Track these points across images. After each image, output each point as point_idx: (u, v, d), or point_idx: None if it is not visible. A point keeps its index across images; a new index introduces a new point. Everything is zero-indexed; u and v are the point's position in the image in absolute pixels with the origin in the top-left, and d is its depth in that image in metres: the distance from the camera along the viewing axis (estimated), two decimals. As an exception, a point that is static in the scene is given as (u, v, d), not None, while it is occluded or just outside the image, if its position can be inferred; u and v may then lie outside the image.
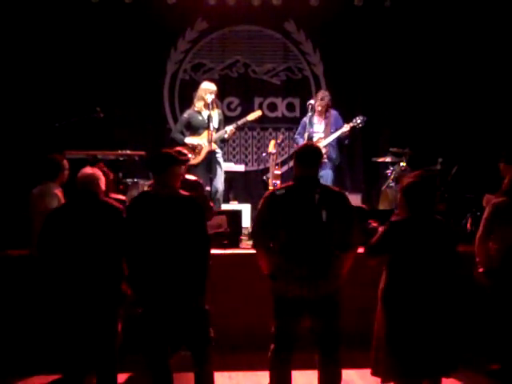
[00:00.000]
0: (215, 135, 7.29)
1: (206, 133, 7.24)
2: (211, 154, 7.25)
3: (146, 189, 6.02)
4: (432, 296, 3.98)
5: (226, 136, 7.44)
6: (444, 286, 4.03)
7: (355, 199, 7.32)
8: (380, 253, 4.16)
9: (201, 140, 7.29)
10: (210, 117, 7.19)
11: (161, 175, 4.28)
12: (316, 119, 7.68)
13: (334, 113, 7.76)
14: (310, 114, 7.56)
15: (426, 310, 3.97)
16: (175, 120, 8.78)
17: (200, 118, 7.35)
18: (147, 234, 4.18)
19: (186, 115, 7.51)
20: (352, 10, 8.76)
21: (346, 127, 7.53)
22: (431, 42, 8.68)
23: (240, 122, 7.49)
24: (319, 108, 7.64)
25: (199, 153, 7.28)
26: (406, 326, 3.96)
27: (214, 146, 7.27)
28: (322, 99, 7.65)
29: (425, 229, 4.05)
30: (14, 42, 8.11)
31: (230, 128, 7.39)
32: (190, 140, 7.34)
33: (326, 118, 7.68)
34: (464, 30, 8.59)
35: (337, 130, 7.56)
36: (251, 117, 7.57)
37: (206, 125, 7.22)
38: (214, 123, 7.28)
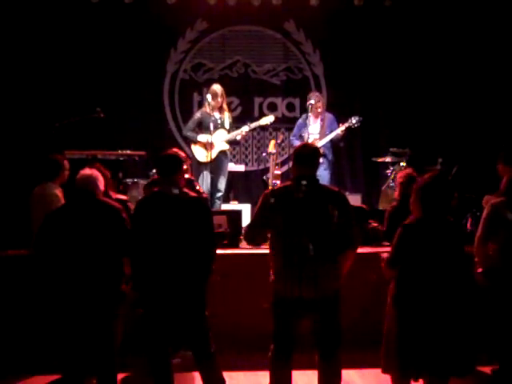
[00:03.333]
0: (228, 136, 7.43)
1: (217, 132, 7.36)
2: (223, 154, 7.43)
3: (143, 188, 6.06)
4: (443, 297, 3.96)
5: (238, 138, 7.53)
6: (456, 286, 4.00)
7: (355, 199, 7.33)
8: (401, 259, 4.04)
9: (213, 139, 7.33)
10: (222, 118, 7.39)
11: (171, 176, 4.29)
12: (312, 120, 7.72)
13: (329, 116, 7.83)
14: (306, 115, 7.69)
15: (438, 311, 3.95)
16: (175, 120, 8.81)
17: (212, 118, 7.42)
18: (155, 233, 4.19)
19: (198, 114, 7.58)
20: (352, 10, 8.77)
21: (341, 127, 7.56)
22: (431, 42, 8.68)
23: (252, 125, 7.56)
24: (317, 110, 7.69)
25: (211, 150, 7.32)
26: (416, 326, 3.95)
27: (226, 147, 7.43)
28: (315, 101, 7.68)
29: (437, 230, 4.01)
30: (14, 42, 8.12)
31: (245, 129, 7.46)
32: (203, 138, 7.39)
33: (321, 119, 7.72)
34: (464, 29, 8.59)
35: (331, 132, 7.58)
36: (264, 121, 7.64)
37: (218, 125, 7.37)
38: (226, 125, 7.45)
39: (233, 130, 7.51)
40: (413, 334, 3.95)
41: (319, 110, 7.68)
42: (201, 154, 7.42)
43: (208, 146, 7.29)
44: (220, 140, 7.41)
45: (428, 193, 4.04)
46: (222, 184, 7.50)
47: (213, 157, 7.37)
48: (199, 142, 7.42)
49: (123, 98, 8.54)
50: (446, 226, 4.05)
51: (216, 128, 7.35)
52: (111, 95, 8.42)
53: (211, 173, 7.37)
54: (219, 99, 7.44)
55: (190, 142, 7.63)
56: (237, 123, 7.77)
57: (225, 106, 7.55)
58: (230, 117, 7.59)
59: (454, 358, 3.96)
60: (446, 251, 4.00)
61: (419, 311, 3.95)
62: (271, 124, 7.82)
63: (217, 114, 7.46)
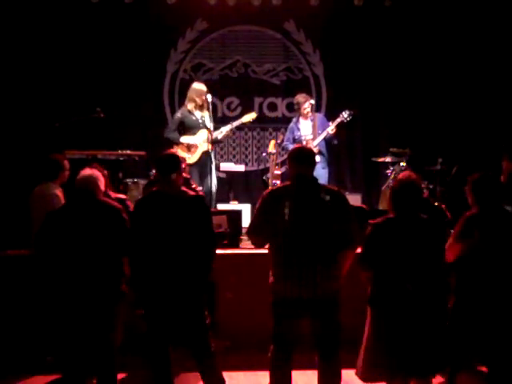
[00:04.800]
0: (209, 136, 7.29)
1: (200, 132, 7.26)
2: (206, 155, 7.26)
3: (142, 189, 6.05)
4: (416, 296, 3.96)
5: (219, 137, 7.43)
6: (428, 285, 4.00)
7: (355, 199, 7.32)
8: (370, 258, 4.08)
9: (196, 139, 7.28)
10: (203, 117, 7.26)
11: (170, 176, 4.28)
12: (302, 122, 7.76)
13: (319, 115, 7.89)
14: (296, 118, 7.77)
15: (411, 310, 3.95)
16: (175, 120, 8.81)
17: (193, 117, 7.35)
18: (155, 232, 4.20)
19: (179, 115, 7.50)
20: (352, 10, 8.77)
21: (334, 123, 7.58)
22: (431, 42, 8.68)
23: (235, 124, 7.51)
24: (304, 111, 7.72)
25: (194, 152, 7.28)
26: (391, 326, 3.95)
27: (210, 146, 7.28)
28: (301, 101, 7.71)
29: (407, 229, 4.02)
30: (14, 41, 8.12)
31: (226, 129, 7.40)
32: (185, 139, 7.33)
33: (311, 119, 7.73)
34: (464, 29, 8.60)
35: (324, 130, 7.61)
36: (246, 119, 7.57)
37: (200, 125, 7.27)
38: (207, 123, 7.31)
39: (215, 130, 7.36)
40: (387, 335, 3.96)
41: (308, 109, 7.70)
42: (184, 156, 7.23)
43: (209, 141, 7.14)
44: (202, 140, 7.25)
45: (398, 193, 4.09)
46: (212, 184, 7.31)
47: (196, 159, 7.26)
48: (181, 144, 7.29)
49: (123, 98, 8.54)
50: (416, 224, 4.05)
51: (197, 128, 7.26)
52: (111, 95, 8.42)
53: (199, 176, 7.27)
54: (204, 97, 7.33)
55: (172, 143, 7.32)
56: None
57: (205, 104, 7.37)
58: (210, 116, 7.40)
59: (427, 357, 3.96)
60: (418, 250, 3.99)
61: (393, 313, 3.96)
62: (253, 121, 7.73)
63: (198, 113, 7.34)
